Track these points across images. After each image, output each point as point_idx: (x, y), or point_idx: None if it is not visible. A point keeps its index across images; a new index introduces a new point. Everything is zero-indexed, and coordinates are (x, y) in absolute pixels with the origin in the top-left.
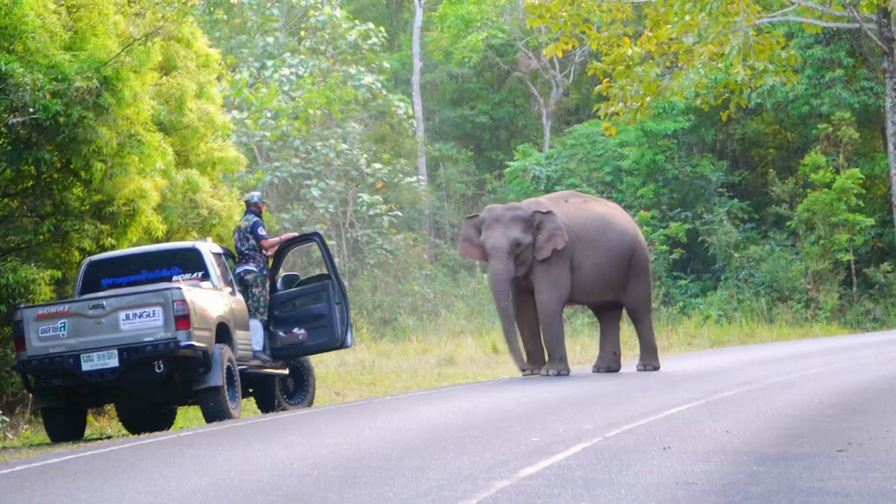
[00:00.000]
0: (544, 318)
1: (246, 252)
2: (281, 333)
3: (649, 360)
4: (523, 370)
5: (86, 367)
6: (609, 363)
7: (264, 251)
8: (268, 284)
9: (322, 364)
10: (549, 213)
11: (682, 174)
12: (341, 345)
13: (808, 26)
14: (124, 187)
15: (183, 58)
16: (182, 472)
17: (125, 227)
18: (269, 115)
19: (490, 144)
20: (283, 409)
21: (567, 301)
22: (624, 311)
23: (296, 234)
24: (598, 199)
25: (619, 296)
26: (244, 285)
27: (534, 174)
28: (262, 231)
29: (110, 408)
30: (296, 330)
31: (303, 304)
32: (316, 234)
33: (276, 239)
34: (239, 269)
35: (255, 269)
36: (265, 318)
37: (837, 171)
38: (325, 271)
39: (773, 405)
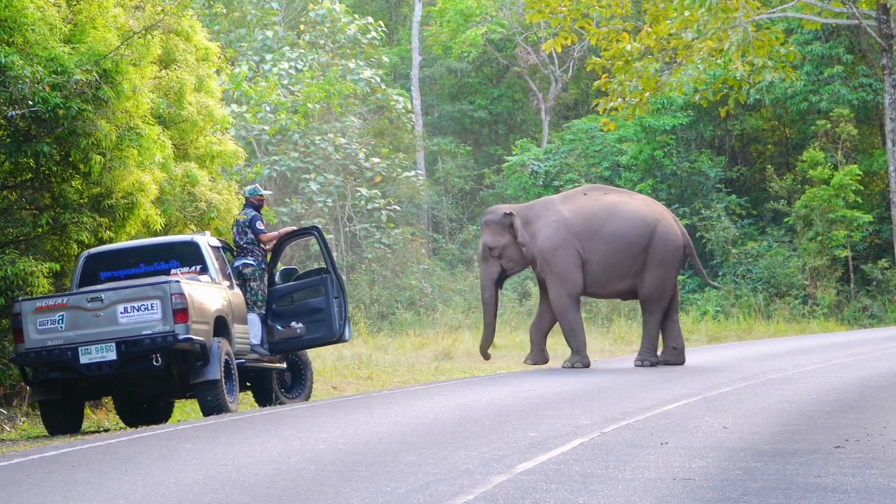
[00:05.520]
0: (557, 314)
1: (244, 246)
2: (279, 327)
3: (647, 355)
4: (484, 356)
5: (84, 359)
6: (668, 357)
7: (262, 245)
8: (266, 278)
9: (319, 358)
10: (510, 214)
11: (681, 170)
12: (339, 339)
13: (807, 22)
14: (123, 180)
15: (182, 51)
16: (179, 465)
17: (124, 220)
18: (268, 108)
19: (488, 139)
20: (281, 403)
21: (580, 293)
22: (670, 304)
23: (294, 227)
24: (621, 191)
25: (636, 284)
26: (242, 279)
27: (532, 169)
28: (260, 225)
29: (108, 401)
30: (294, 324)
31: (301, 297)
32: (314, 228)
33: (275, 233)
34: (237, 263)
35: (253, 262)
36: (263, 311)
37: (836, 168)
38: (323, 265)
39: (771, 401)
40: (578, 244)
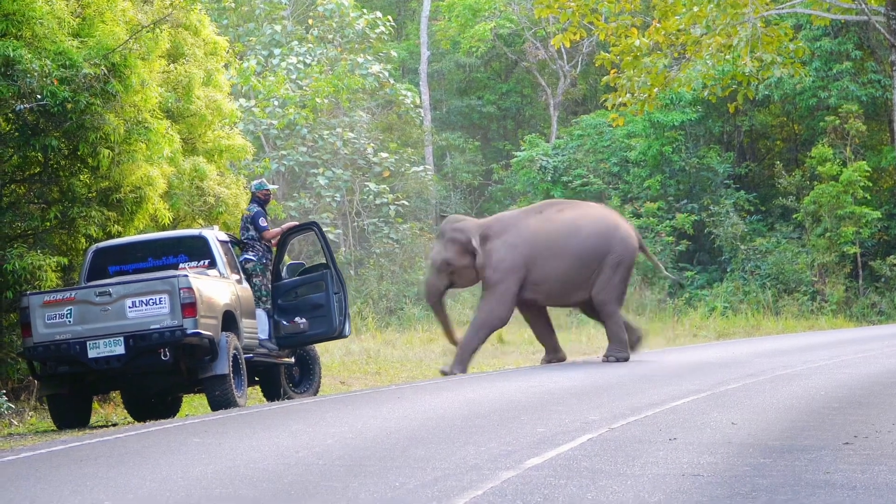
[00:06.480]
0: (474, 326)
1: (246, 241)
2: (284, 322)
3: (615, 350)
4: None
5: (92, 354)
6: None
7: (266, 241)
8: (268, 273)
9: (328, 353)
10: (475, 241)
11: (689, 165)
12: (339, 335)
13: (816, 18)
14: (131, 174)
15: (191, 45)
16: (187, 459)
17: (132, 214)
18: (276, 103)
19: (497, 134)
20: (289, 398)
21: (504, 324)
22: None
23: (296, 223)
24: (576, 204)
25: (586, 292)
26: (245, 274)
27: (541, 164)
28: (262, 222)
29: (116, 395)
30: (297, 319)
31: (304, 293)
32: (313, 223)
33: (277, 230)
34: (240, 259)
35: (253, 258)
36: (268, 306)
37: (844, 164)
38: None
39: (779, 397)
40: (528, 268)
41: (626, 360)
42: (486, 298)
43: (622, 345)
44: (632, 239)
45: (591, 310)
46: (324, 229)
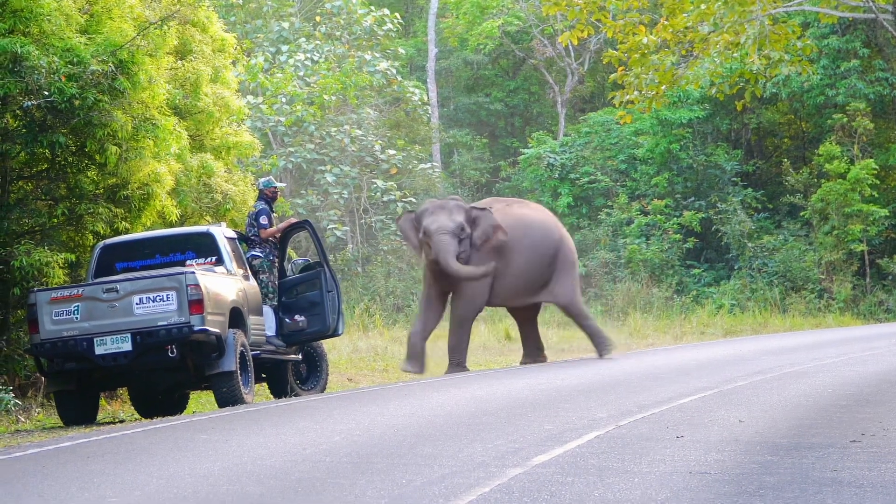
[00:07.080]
0: (454, 324)
1: (252, 238)
2: (287, 320)
3: (603, 346)
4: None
5: (99, 350)
6: (535, 357)
7: (265, 239)
8: (275, 270)
9: (335, 350)
10: (484, 209)
11: (697, 163)
12: (333, 333)
13: (823, 16)
14: (139, 171)
15: (198, 42)
16: (195, 456)
17: (139, 210)
18: (284, 100)
19: (504, 132)
20: (296, 395)
21: (483, 307)
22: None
23: (293, 220)
24: (521, 202)
25: (545, 297)
26: (252, 271)
27: (548, 162)
28: (263, 220)
29: (123, 392)
30: (297, 317)
31: (302, 291)
32: (306, 221)
33: (273, 229)
34: (247, 255)
35: (260, 254)
36: (275, 303)
37: (852, 162)
38: (331, 257)
39: (787, 395)
40: (494, 257)
41: (615, 348)
42: (461, 289)
43: (604, 337)
44: (571, 240)
45: (530, 316)
46: (331, 226)
